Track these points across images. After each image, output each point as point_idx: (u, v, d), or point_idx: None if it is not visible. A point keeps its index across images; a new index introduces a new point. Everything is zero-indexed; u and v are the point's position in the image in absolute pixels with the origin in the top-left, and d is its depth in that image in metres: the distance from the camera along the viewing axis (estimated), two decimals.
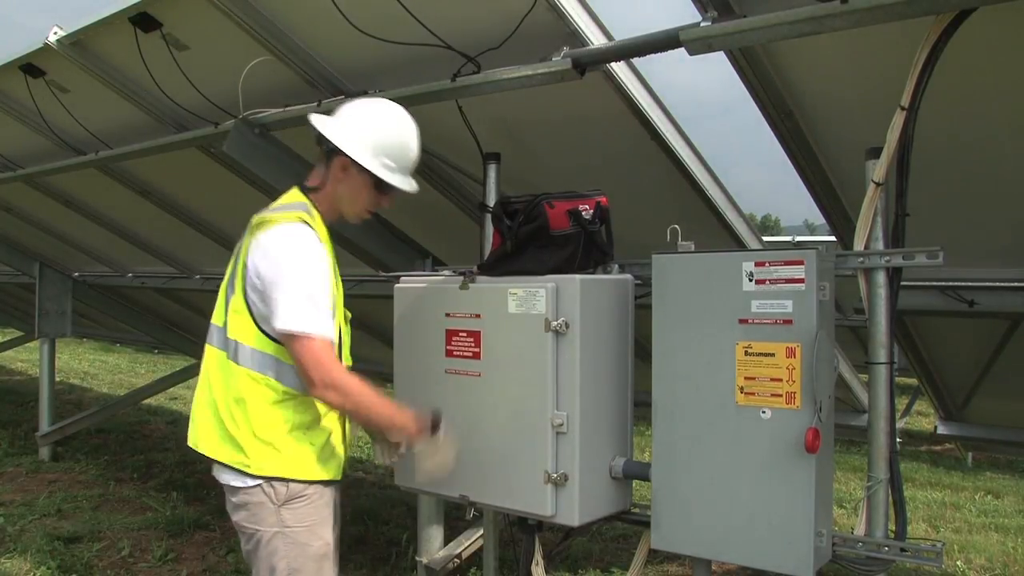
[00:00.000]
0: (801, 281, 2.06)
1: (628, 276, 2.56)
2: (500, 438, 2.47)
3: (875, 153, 2.15)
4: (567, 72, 2.50)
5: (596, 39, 2.57)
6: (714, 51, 2.24)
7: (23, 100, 4.38)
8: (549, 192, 2.54)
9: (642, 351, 2.52)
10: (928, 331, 3.51)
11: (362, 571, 4.67)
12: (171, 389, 8.89)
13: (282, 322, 2.18)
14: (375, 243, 3.65)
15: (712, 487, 2.21)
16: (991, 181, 2.66)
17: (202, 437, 2.34)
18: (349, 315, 2.53)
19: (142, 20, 3.28)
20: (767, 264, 2.11)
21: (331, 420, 2.39)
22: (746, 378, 2.15)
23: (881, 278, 2.17)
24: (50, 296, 7.29)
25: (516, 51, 2.60)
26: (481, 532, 3.60)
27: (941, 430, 4.27)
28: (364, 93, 3.09)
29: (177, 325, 7.94)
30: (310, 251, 2.24)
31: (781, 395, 2.09)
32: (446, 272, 2.86)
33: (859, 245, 2.20)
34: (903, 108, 2.07)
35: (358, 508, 5.71)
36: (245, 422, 2.26)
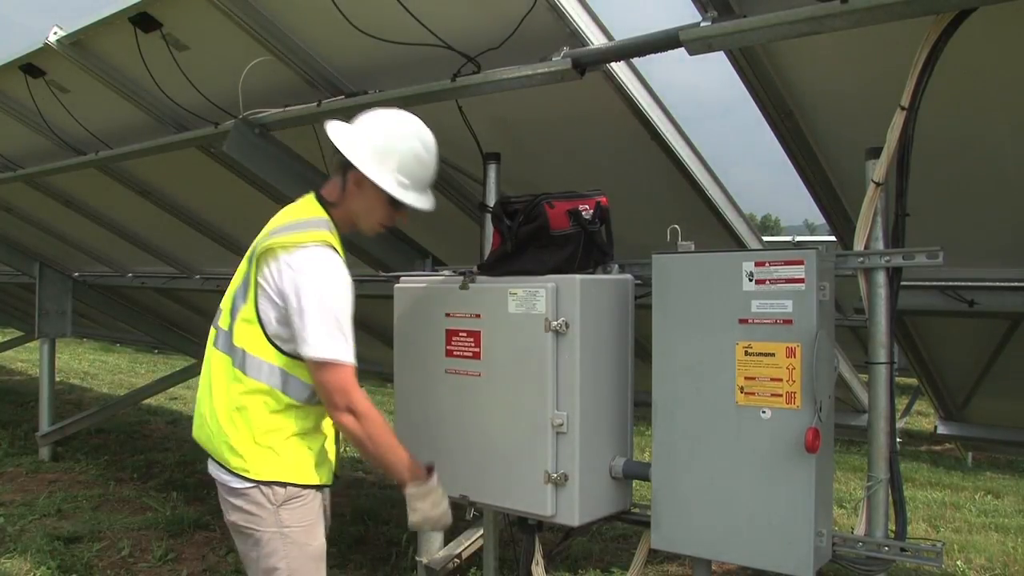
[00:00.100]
0: (801, 281, 2.06)
1: (628, 276, 2.56)
2: (500, 438, 2.47)
3: (875, 153, 2.15)
4: (567, 72, 2.50)
5: (596, 39, 2.57)
6: (714, 51, 2.24)
7: (23, 100, 4.38)
8: (549, 192, 2.54)
9: (642, 351, 2.52)
10: (928, 331, 3.51)
11: (362, 571, 4.67)
12: (171, 389, 8.89)
13: (312, 350, 2.18)
14: (375, 243, 3.65)
15: (712, 487, 2.21)
16: (991, 181, 2.66)
17: (203, 436, 2.35)
18: None
19: (142, 20, 3.28)
20: (767, 264, 2.11)
21: (326, 426, 2.40)
22: (746, 378, 2.15)
23: (881, 278, 2.17)
24: (50, 296, 7.29)
25: (516, 51, 2.60)
26: (481, 532, 3.60)
27: (941, 430, 4.27)
28: (364, 93, 3.09)
29: (177, 325, 7.94)
30: (338, 278, 2.23)
31: (781, 395, 2.09)
32: (446, 272, 2.87)
33: (859, 245, 2.20)
34: (903, 108, 2.07)
35: (358, 508, 5.71)
36: (246, 428, 2.26)
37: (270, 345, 2.25)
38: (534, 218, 2.47)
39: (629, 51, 2.50)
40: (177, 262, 6.27)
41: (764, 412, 2.12)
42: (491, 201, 3.00)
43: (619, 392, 2.49)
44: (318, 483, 2.34)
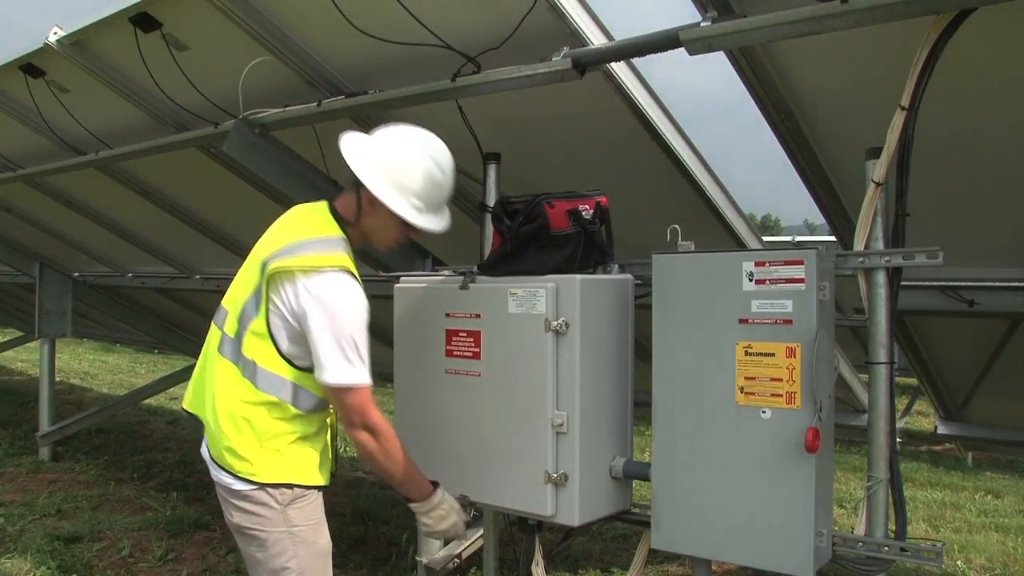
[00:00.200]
0: (801, 281, 2.06)
1: (628, 276, 2.56)
2: (500, 438, 2.47)
3: (875, 153, 2.14)
4: (567, 72, 2.50)
5: (596, 39, 2.57)
6: (714, 51, 2.24)
7: (23, 100, 4.38)
8: (549, 192, 2.54)
9: (642, 351, 2.52)
10: (928, 331, 3.51)
11: (362, 571, 4.67)
12: (171, 389, 8.87)
13: (330, 376, 2.18)
14: None
15: (712, 487, 2.21)
16: (991, 181, 2.66)
17: (211, 439, 2.32)
18: None
19: (142, 20, 3.28)
20: (767, 264, 2.11)
21: (327, 429, 2.41)
22: (746, 378, 2.15)
23: (881, 278, 2.17)
24: (50, 296, 7.29)
25: (516, 51, 2.60)
26: (481, 532, 3.60)
27: (941, 430, 4.27)
28: (364, 93, 3.09)
29: (177, 325, 7.94)
30: (356, 305, 2.21)
31: (781, 395, 2.09)
32: (446, 272, 2.87)
33: (859, 245, 2.20)
34: (903, 108, 2.07)
35: (358, 508, 5.71)
36: (252, 434, 2.25)
37: (282, 360, 2.25)
38: (534, 218, 2.47)
39: (629, 51, 2.49)
40: (177, 262, 6.27)
41: (764, 412, 2.12)
42: (491, 201, 3.00)
43: (619, 392, 2.49)
44: (322, 483, 2.34)
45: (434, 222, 2.37)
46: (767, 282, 2.11)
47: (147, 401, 9.31)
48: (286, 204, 4.25)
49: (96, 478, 6.63)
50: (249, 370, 2.26)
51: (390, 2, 2.63)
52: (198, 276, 6.23)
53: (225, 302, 2.42)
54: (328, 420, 2.42)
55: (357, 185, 2.30)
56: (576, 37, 2.55)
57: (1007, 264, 2.96)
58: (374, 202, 2.28)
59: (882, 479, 2.17)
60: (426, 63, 2.82)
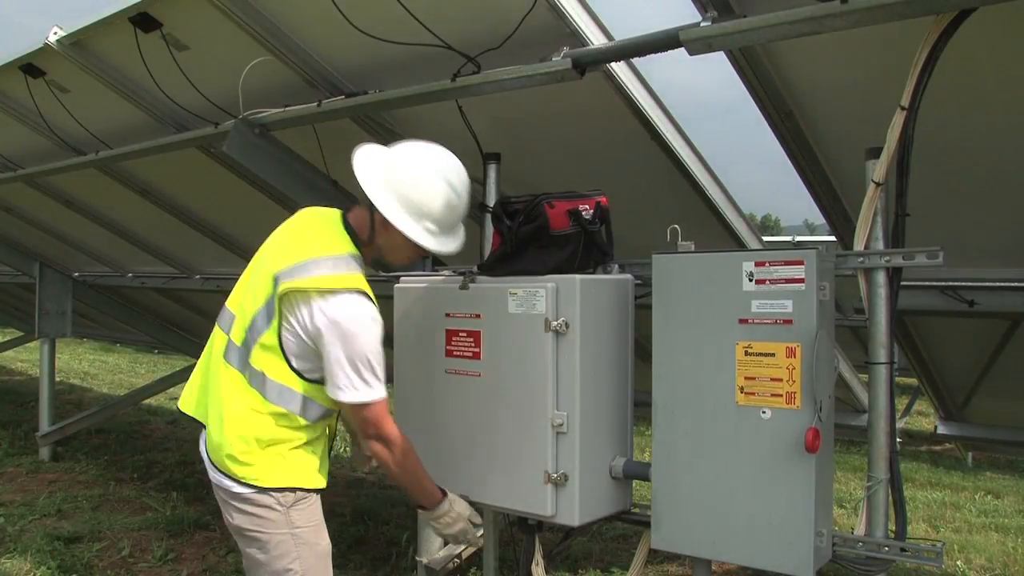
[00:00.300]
0: (801, 281, 2.06)
1: (628, 276, 2.56)
2: (500, 438, 2.47)
3: (875, 153, 2.14)
4: (567, 72, 2.50)
5: (596, 39, 2.57)
6: (714, 51, 2.24)
7: (23, 100, 4.38)
8: (549, 192, 2.54)
9: (642, 351, 2.52)
10: (928, 331, 3.51)
11: (362, 571, 4.67)
12: (171, 389, 8.85)
13: (346, 396, 2.19)
14: None
15: (712, 487, 2.21)
16: (991, 181, 2.66)
17: (212, 444, 2.31)
18: None
19: (142, 20, 3.28)
20: (767, 264, 2.11)
21: (327, 433, 2.42)
22: (746, 378, 2.15)
23: (881, 278, 2.17)
24: (50, 296, 7.29)
25: (516, 51, 2.60)
26: (481, 532, 3.60)
27: (941, 430, 4.27)
28: (364, 93, 3.09)
29: (177, 325, 7.94)
30: (372, 326, 2.20)
31: (781, 395, 2.09)
32: (446, 272, 2.87)
33: (859, 245, 2.20)
34: (903, 108, 2.07)
35: (358, 508, 5.71)
36: (256, 442, 2.25)
37: (293, 373, 2.24)
38: (534, 218, 2.47)
39: (629, 51, 2.49)
40: (177, 262, 6.27)
41: (764, 412, 2.12)
42: (491, 201, 3.00)
43: (619, 392, 2.49)
44: (322, 486, 2.34)
45: (448, 244, 2.36)
46: (767, 282, 2.11)
47: (147, 401, 9.30)
48: (286, 204, 4.29)
49: (96, 478, 6.63)
50: (257, 381, 2.25)
51: (390, 2, 2.63)
52: (198, 276, 6.23)
53: (231, 305, 2.39)
54: (328, 425, 2.42)
55: (371, 204, 2.28)
56: (576, 37, 2.55)
57: (1007, 264, 2.96)
58: (387, 223, 2.27)
59: (882, 479, 2.17)
60: (426, 63, 2.82)
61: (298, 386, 2.25)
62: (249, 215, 4.87)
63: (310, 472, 2.31)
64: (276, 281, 2.24)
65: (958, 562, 5.14)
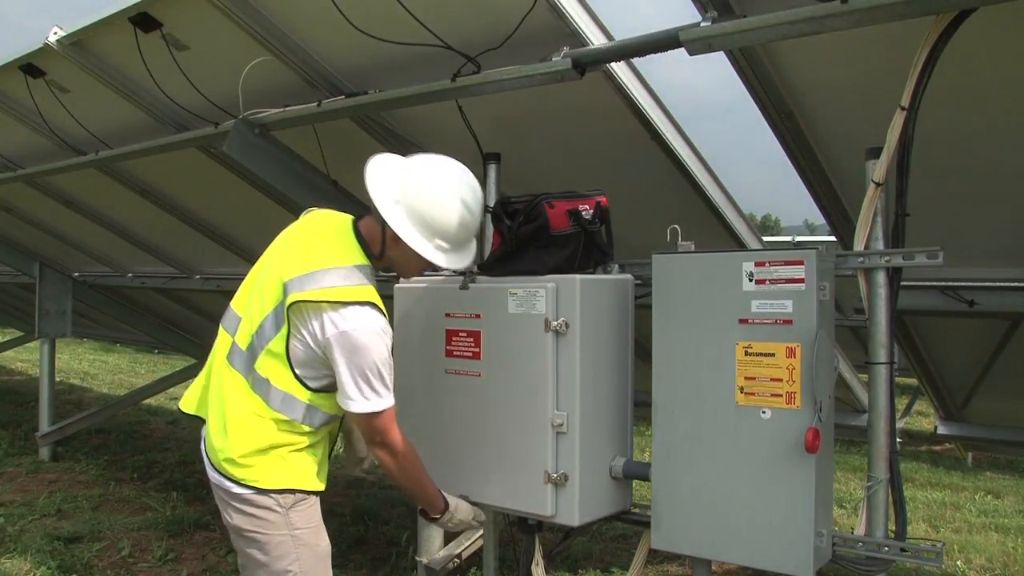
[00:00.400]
0: (801, 281, 2.06)
1: (628, 276, 2.56)
2: (500, 438, 2.47)
3: (875, 153, 2.14)
4: (567, 72, 2.50)
5: (596, 39, 2.57)
6: (714, 51, 2.23)
7: (23, 100, 4.38)
8: (549, 192, 2.54)
9: (642, 351, 2.52)
10: (928, 331, 3.51)
11: (362, 571, 4.67)
12: (171, 389, 8.88)
13: (356, 406, 2.19)
14: None
15: (712, 487, 2.21)
16: (991, 181, 2.66)
17: (212, 446, 2.31)
18: None
19: (142, 20, 3.28)
20: (767, 264, 2.11)
21: (328, 437, 2.42)
22: (746, 378, 2.15)
23: (881, 278, 2.17)
24: (50, 296, 7.29)
25: (516, 51, 2.60)
26: (481, 532, 3.60)
27: (941, 430, 4.27)
28: (364, 93, 3.09)
29: (177, 325, 7.94)
30: (383, 339, 2.20)
31: (781, 395, 2.09)
32: (446, 272, 2.86)
33: (859, 245, 2.20)
34: (903, 108, 2.07)
35: (358, 508, 5.71)
36: (257, 446, 2.25)
37: (297, 381, 2.24)
38: (534, 218, 2.47)
39: (629, 51, 2.49)
40: (177, 262, 6.27)
41: (764, 412, 2.12)
42: (491, 201, 3.00)
43: (619, 392, 2.49)
44: (321, 489, 2.34)
45: (460, 260, 2.36)
46: (767, 282, 2.11)
47: (147, 401, 9.31)
48: (286, 204, 4.29)
49: (96, 478, 6.63)
50: (261, 387, 2.25)
51: (390, 2, 2.63)
52: (198, 276, 6.23)
53: (236, 306, 2.39)
54: (331, 429, 2.42)
55: (383, 218, 2.27)
56: (576, 37, 2.55)
57: (1007, 264, 2.96)
58: (398, 239, 2.26)
59: (882, 479, 2.17)
60: (426, 63, 2.82)
61: (302, 395, 2.25)
62: (249, 215, 4.87)
63: (310, 474, 2.31)
64: (285, 289, 2.23)
65: (958, 562, 5.14)
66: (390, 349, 2.23)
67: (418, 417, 2.68)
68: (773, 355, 2.10)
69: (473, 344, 2.52)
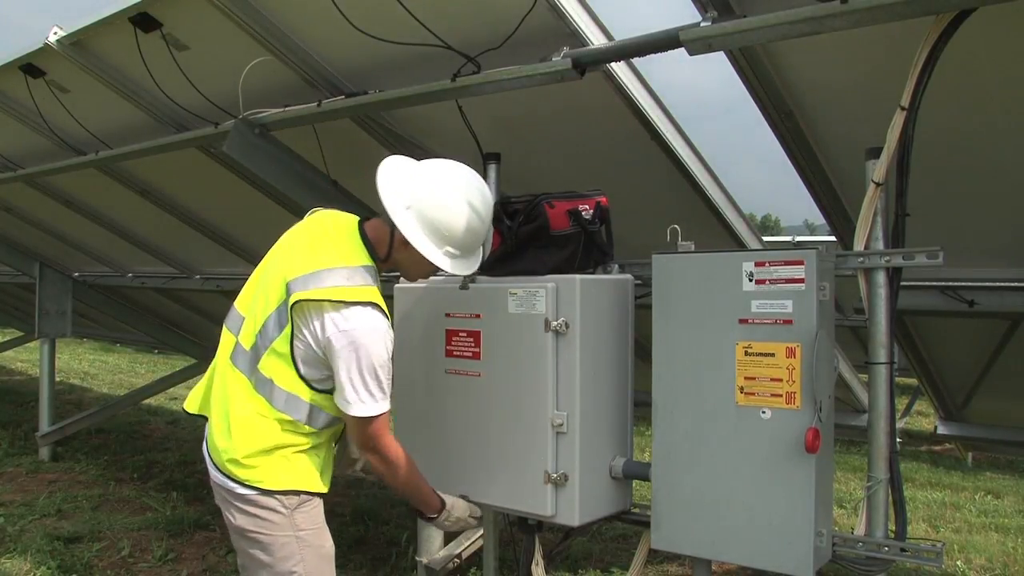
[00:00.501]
0: (801, 281, 2.06)
1: (628, 276, 2.56)
2: (500, 438, 2.47)
3: (875, 153, 2.14)
4: (567, 72, 2.50)
5: (596, 39, 2.57)
6: (714, 51, 2.23)
7: (23, 100, 4.38)
8: (549, 192, 2.54)
9: (642, 351, 2.52)
10: (928, 331, 3.51)
11: (362, 571, 4.67)
12: (171, 389, 8.89)
13: (353, 409, 2.19)
14: None
15: (712, 487, 2.21)
16: (991, 181, 2.66)
17: (215, 446, 2.31)
18: None
19: (142, 20, 3.28)
20: (767, 264, 2.11)
21: (332, 439, 2.41)
22: (746, 378, 2.15)
23: (881, 278, 2.17)
24: (50, 296, 7.29)
25: (516, 51, 2.60)
26: (481, 532, 3.60)
27: (941, 430, 4.27)
28: (364, 93, 3.09)
29: (177, 325, 7.94)
30: (383, 341, 2.19)
31: (781, 395, 2.09)
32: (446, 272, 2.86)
33: (859, 245, 2.20)
34: (903, 108, 2.07)
35: (358, 508, 5.71)
36: (260, 446, 2.24)
37: (301, 382, 2.24)
38: (534, 218, 2.47)
39: (629, 51, 2.49)
40: (177, 262, 6.27)
41: (764, 412, 2.12)
42: None
43: (619, 392, 2.49)
44: (324, 491, 2.34)
45: (468, 266, 2.36)
46: (767, 282, 2.11)
47: (147, 401, 9.31)
48: (286, 204, 4.29)
49: (96, 478, 6.63)
50: (265, 387, 2.25)
51: (390, 2, 2.63)
52: (198, 276, 6.23)
53: (240, 306, 2.38)
54: (333, 431, 2.41)
55: (391, 221, 2.26)
56: (576, 37, 2.55)
57: (1007, 264, 2.96)
58: (407, 243, 2.25)
59: (882, 479, 2.17)
60: (426, 63, 2.82)
61: (306, 395, 2.24)
62: (249, 215, 4.87)
63: (314, 476, 2.30)
64: (288, 289, 2.23)
65: (958, 562, 5.14)
66: (390, 352, 2.22)
67: (418, 417, 2.69)
68: (773, 355, 2.10)
69: (473, 344, 2.52)
